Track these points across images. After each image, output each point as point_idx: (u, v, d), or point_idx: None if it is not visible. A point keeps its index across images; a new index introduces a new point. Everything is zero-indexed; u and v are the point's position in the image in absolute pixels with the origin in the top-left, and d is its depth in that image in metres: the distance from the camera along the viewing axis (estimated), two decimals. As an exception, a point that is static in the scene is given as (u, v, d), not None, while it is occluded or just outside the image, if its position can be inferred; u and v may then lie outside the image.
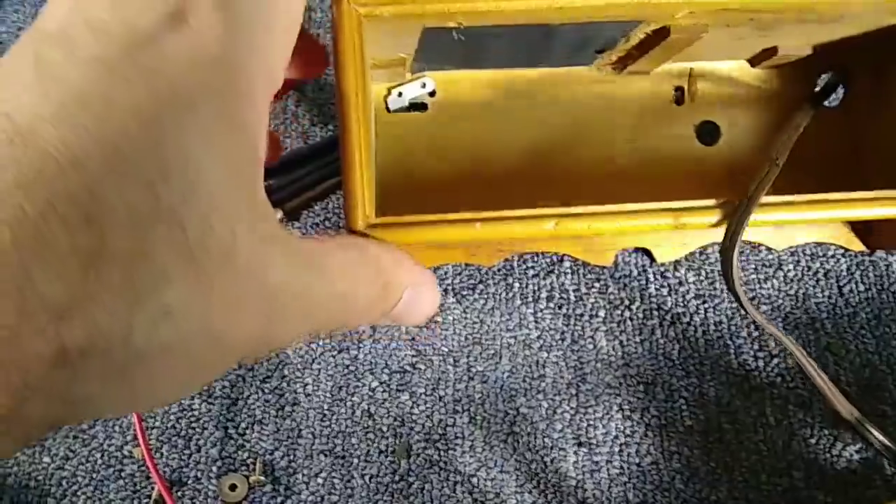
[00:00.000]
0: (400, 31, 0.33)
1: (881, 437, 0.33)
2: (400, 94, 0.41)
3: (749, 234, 0.41)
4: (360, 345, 0.39)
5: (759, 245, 0.41)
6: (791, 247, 0.41)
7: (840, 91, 0.41)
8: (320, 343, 0.39)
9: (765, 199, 0.31)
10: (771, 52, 0.39)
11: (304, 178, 0.43)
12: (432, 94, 0.41)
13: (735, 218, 0.31)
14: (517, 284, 0.40)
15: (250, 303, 0.19)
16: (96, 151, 0.16)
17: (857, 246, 0.41)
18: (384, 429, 0.37)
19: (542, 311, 0.40)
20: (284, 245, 0.20)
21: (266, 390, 0.38)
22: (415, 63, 0.40)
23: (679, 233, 0.41)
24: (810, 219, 0.31)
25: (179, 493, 0.36)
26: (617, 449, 0.36)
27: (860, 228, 0.41)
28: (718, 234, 0.39)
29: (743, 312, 0.40)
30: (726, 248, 0.32)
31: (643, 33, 0.36)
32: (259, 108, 0.20)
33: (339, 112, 0.29)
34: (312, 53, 0.30)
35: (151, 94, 0.17)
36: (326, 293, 0.22)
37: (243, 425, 0.37)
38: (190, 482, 0.36)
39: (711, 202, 0.31)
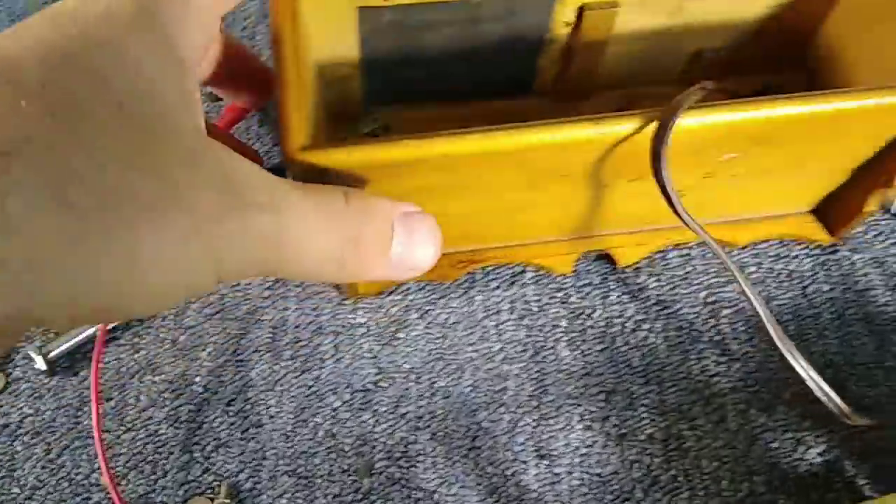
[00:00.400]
0: (334, 10, 0.35)
1: (838, 401, 0.33)
2: (353, 133, 0.42)
3: (711, 230, 0.41)
4: (323, 364, 0.39)
5: (722, 245, 0.41)
6: (753, 243, 0.41)
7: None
8: (283, 364, 0.39)
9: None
10: (697, 56, 0.39)
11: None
12: (385, 130, 0.42)
13: (665, 119, 0.30)
14: (479, 297, 0.41)
15: (209, 186, 0.20)
16: (47, 51, 0.19)
17: (820, 236, 0.41)
18: (346, 448, 0.37)
19: (504, 323, 0.40)
20: (233, 153, 0.22)
21: (231, 413, 0.38)
22: (365, 101, 0.41)
23: (639, 234, 0.41)
24: (735, 120, 0.31)
25: (147, 519, 0.37)
26: (577, 460, 0.37)
27: (821, 210, 0.41)
28: (677, 236, 0.39)
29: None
30: (656, 148, 0.31)
31: (564, 24, 0.37)
32: (190, 37, 0.23)
33: (272, 46, 0.31)
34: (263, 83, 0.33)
35: (89, 17, 0.21)
36: (301, 210, 0.23)
37: (209, 448, 0.38)
38: (156, 508, 0.37)
39: (636, 111, 0.31)
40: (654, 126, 0.31)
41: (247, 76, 0.33)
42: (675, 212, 0.32)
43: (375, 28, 0.37)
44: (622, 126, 0.31)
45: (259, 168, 0.23)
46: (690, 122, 0.31)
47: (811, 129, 0.32)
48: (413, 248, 0.26)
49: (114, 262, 0.18)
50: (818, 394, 0.34)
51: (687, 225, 0.33)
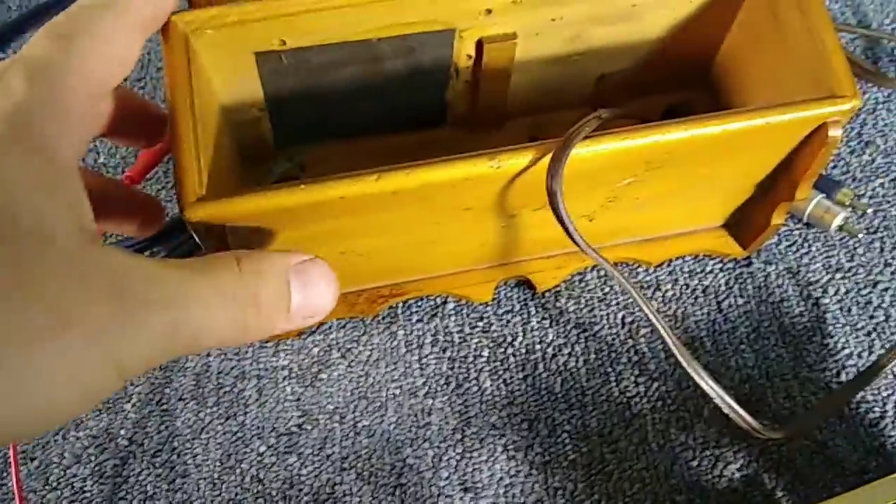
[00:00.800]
0: (231, 55, 0.35)
1: (748, 417, 0.34)
2: (268, 174, 0.42)
3: (623, 251, 0.41)
4: (247, 409, 0.39)
5: (637, 264, 0.41)
6: (668, 260, 0.41)
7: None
8: (208, 411, 0.39)
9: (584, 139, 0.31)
10: (603, 79, 0.40)
11: (190, 241, 0.43)
12: (301, 169, 0.42)
13: (557, 153, 0.31)
14: (401, 332, 0.41)
15: (98, 297, 0.20)
16: None
17: (733, 250, 0.41)
18: (273, 493, 0.37)
19: (426, 356, 0.40)
20: (121, 252, 0.22)
21: (156, 465, 0.38)
22: (277, 142, 0.41)
23: (556, 258, 0.41)
24: (625, 148, 0.31)
25: (74, 580, 0.36)
26: (502, 491, 0.37)
27: (732, 224, 0.41)
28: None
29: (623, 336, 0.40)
30: (552, 180, 0.31)
31: (466, 58, 0.38)
32: (71, 135, 0.24)
33: (167, 97, 0.31)
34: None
35: None
36: (191, 293, 0.23)
37: (135, 503, 0.38)
38: (83, 568, 0.36)
39: (530, 144, 0.31)
40: (548, 159, 0.31)
41: (140, 123, 0.33)
42: (574, 242, 0.33)
43: (276, 71, 0.37)
44: (517, 160, 0.31)
45: (148, 261, 0.23)
46: (583, 152, 0.31)
47: (702, 151, 0.33)
48: (311, 296, 0.27)
49: (8, 392, 0.19)
50: (727, 411, 0.34)
51: (586, 253, 0.33)
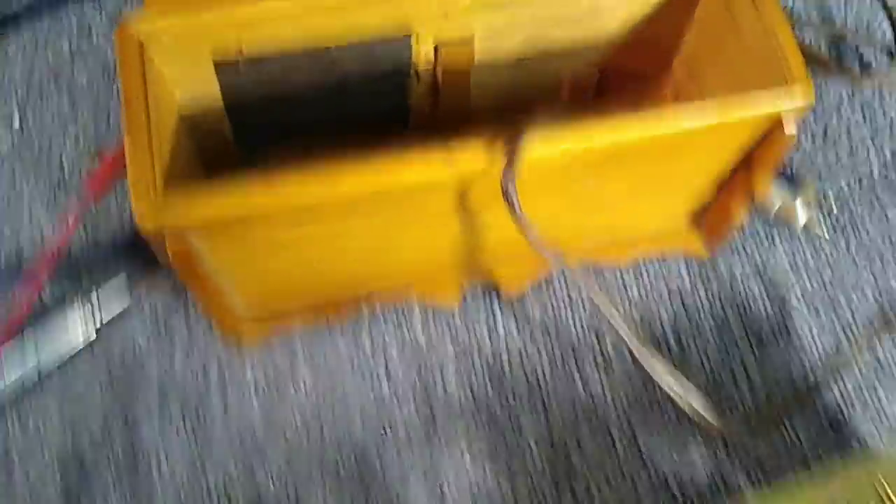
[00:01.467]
0: (189, 63, 0.35)
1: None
2: None
3: (591, 252, 0.41)
4: (214, 423, 0.39)
5: (603, 266, 0.41)
6: (633, 261, 0.41)
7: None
8: (174, 426, 0.39)
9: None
10: (567, 79, 0.40)
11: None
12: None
13: (512, 146, 0.31)
14: (368, 340, 0.41)
15: None
16: None
17: (699, 249, 0.41)
18: (240, 507, 0.37)
19: (393, 364, 0.40)
20: None
21: (122, 481, 0.38)
22: (241, 147, 0.41)
23: (523, 262, 0.41)
24: (581, 145, 0.31)
25: None
26: (469, 497, 0.37)
27: (697, 224, 0.41)
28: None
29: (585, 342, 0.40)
30: (507, 172, 0.31)
31: (424, 62, 0.37)
32: None
33: (123, 107, 0.31)
34: None
35: None
36: None
37: (101, 520, 0.37)
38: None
39: (481, 138, 0.31)
40: (502, 160, 0.31)
41: None
42: (529, 241, 0.33)
43: (235, 78, 0.37)
44: (471, 153, 0.31)
45: None
46: (540, 152, 0.31)
47: (660, 147, 0.33)
48: None
49: None
50: (690, 412, 0.34)
51: (539, 251, 0.33)
